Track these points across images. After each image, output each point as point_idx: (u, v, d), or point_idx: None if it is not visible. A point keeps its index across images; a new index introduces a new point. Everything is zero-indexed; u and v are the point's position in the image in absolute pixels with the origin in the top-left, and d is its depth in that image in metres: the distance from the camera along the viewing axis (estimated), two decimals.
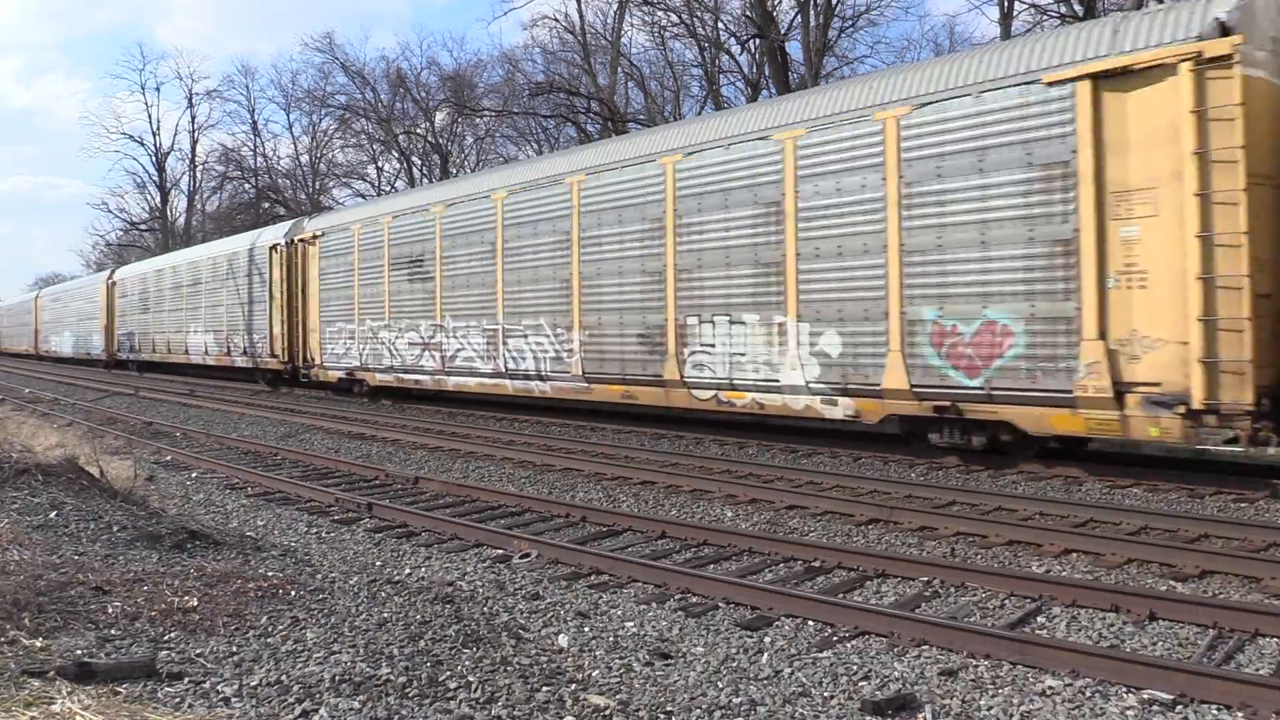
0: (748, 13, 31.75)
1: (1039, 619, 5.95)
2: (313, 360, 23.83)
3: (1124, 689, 4.74)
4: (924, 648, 5.41)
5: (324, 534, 8.79)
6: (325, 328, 23.27)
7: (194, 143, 65.11)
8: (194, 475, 12.26)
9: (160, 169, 66.01)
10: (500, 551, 7.94)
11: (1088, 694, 4.72)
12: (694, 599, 6.47)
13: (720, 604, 6.33)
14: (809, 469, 11.46)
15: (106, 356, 41.34)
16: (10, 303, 71.63)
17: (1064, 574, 6.98)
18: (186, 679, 4.17)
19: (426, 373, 19.48)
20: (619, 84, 39.54)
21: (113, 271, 42.61)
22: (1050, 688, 4.80)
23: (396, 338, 20.44)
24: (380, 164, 52.93)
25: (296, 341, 24.73)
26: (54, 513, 7.55)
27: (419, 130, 48.97)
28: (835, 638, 5.66)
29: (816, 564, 7.29)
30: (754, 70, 33.98)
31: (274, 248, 25.68)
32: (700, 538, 8.18)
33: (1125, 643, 5.53)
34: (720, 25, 35.00)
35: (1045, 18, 26.66)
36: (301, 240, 24.43)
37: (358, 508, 9.73)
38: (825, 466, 11.82)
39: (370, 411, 20.16)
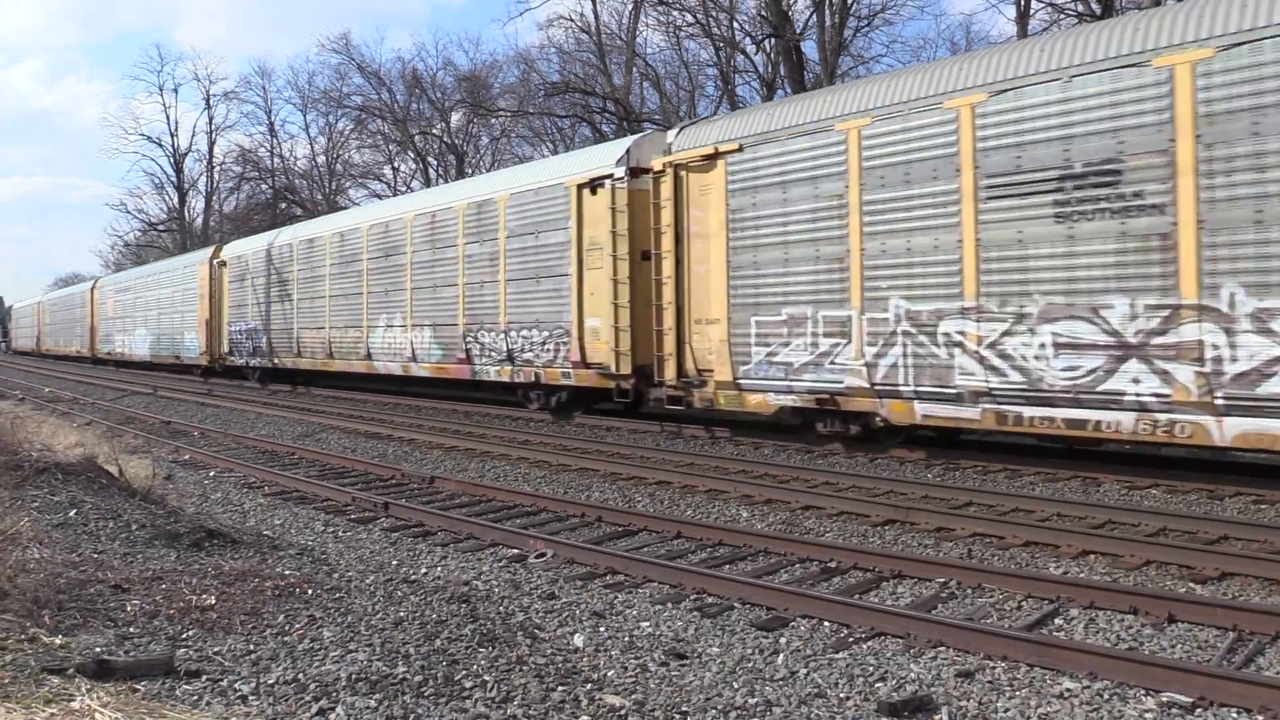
0: (763, 12, 31.71)
1: (1057, 621, 5.92)
2: (706, 370, 13.56)
3: (1143, 692, 4.71)
4: (940, 649, 5.39)
5: (340, 533, 8.82)
6: (756, 313, 12.77)
7: (211, 144, 65.46)
8: (212, 474, 12.32)
9: (178, 170, 66.43)
10: (516, 551, 7.95)
11: (1106, 696, 4.69)
12: (709, 599, 6.46)
13: (736, 604, 6.32)
14: (824, 469, 11.43)
15: (208, 361, 31.78)
16: (57, 295, 61.47)
17: (1082, 576, 6.94)
18: (204, 677, 4.19)
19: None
20: (634, 84, 39.56)
21: (219, 248, 32.91)
22: (1068, 690, 4.77)
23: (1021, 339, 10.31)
24: (396, 164, 53.19)
25: (656, 341, 14.32)
26: (73, 511, 7.60)
27: (435, 131, 49.18)
28: (851, 639, 5.64)
29: (832, 564, 7.27)
30: (769, 70, 33.93)
31: (595, 184, 15.62)
32: (716, 538, 8.17)
33: (1144, 645, 5.49)
34: (735, 25, 35.00)
35: (1063, 16, 26.53)
36: (676, 165, 13.79)
37: (374, 507, 9.76)
38: (841, 467, 11.78)
39: (386, 411, 20.23)
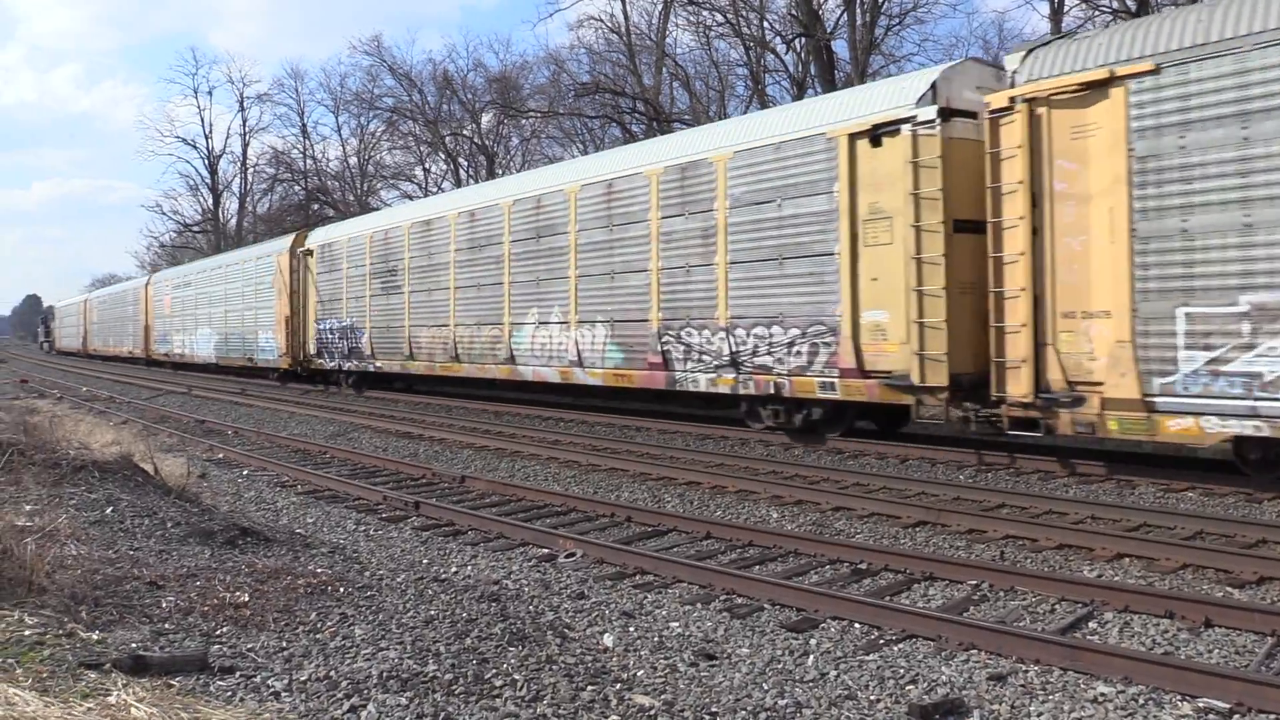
0: (793, 11, 31.59)
1: (1090, 624, 5.86)
2: (1084, 383, 10.10)
3: (1178, 697, 4.65)
4: (972, 652, 5.35)
5: (372, 532, 8.88)
6: (1187, 302, 9.40)
7: (245, 145, 66.17)
8: (245, 473, 12.45)
9: (212, 171, 67.19)
10: (546, 551, 7.97)
11: (1141, 701, 4.64)
12: (739, 600, 6.45)
13: (765, 605, 6.30)
14: (855, 470, 11.38)
15: (289, 364, 28.21)
16: (106, 293, 58.16)
17: (1117, 579, 6.86)
18: (238, 673, 4.24)
19: None
20: (664, 84, 39.55)
21: (302, 235, 28.89)
22: (1102, 694, 4.72)
23: None
24: (427, 165, 53.46)
25: (994, 343, 10.77)
26: (110, 509, 7.71)
27: (465, 132, 49.38)
28: (882, 640, 5.61)
29: (863, 566, 7.24)
30: (799, 69, 33.82)
31: (880, 132, 12.17)
32: (745, 539, 8.15)
33: (1180, 650, 5.42)
34: (765, 24, 34.90)
35: (1097, 13, 26.24)
36: (1031, 100, 10.40)
37: (405, 506, 9.82)
38: (871, 468, 11.72)
39: (417, 411, 20.34)
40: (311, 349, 27.07)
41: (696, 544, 8.19)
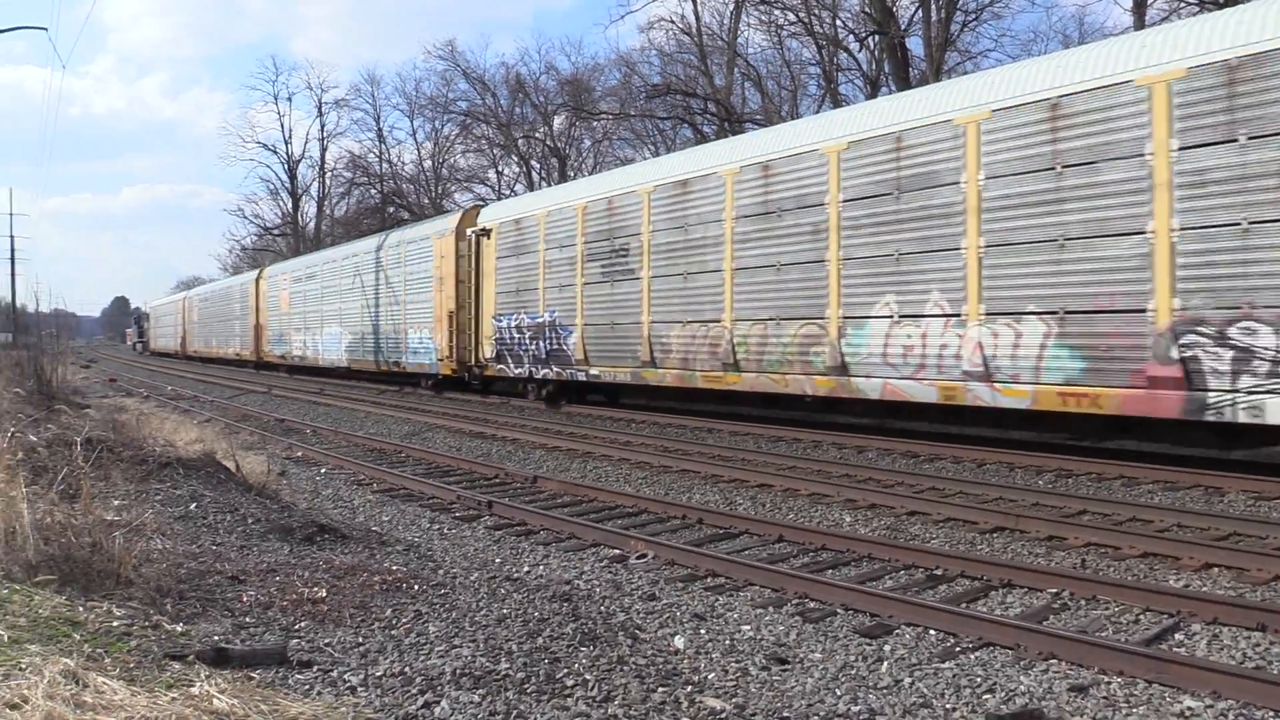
0: (866, 9, 31.24)
1: (1177, 636, 5.68)
2: None
3: (1270, 713, 4.48)
4: (1052, 662, 5.22)
5: (445, 530, 9.00)
6: None
7: (323, 150, 67.53)
8: (323, 471, 12.70)
9: (292, 176, 68.69)
10: (617, 552, 7.99)
11: (1230, 717, 4.48)
12: (812, 604, 6.39)
13: (839, 610, 6.23)
14: (930, 474, 11.20)
15: (454, 369, 23.53)
16: (209, 290, 54.73)
17: (1205, 590, 6.64)
18: (315, 667, 4.32)
19: None
20: (735, 84, 39.43)
21: (471, 214, 24.04)
22: (1189, 709, 4.57)
23: None
24: (500, 168, 54.06)
25: None
26: (194, 505, 7.93)
27: (538, 135, 49.83)
28: (958, 648, 5.51)
29: (938, 572, 7.12)
30: (873, 68, 33.44)
31: None
32: (818, 542, 8.07)
33: (1272, 664, 5.23)
34: (838, 22, 34.57)
35: (1182, 5, 25.45)
36: None
37: (478, 505, 9.92)
38: (948, 472, 11.52)
39: (491, 411, 20.55)
40: (488, 351, 22.16)
41: (769, 547, 8.13)
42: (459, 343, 23.51)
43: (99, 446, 9.10)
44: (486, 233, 22.55)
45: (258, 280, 41.73)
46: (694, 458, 12.84)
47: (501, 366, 21.79)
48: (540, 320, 20.29)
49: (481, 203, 25.83)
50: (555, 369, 19.74)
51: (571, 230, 19.34)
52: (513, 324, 21.28)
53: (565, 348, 19.46)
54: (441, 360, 24.30)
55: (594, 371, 18.69)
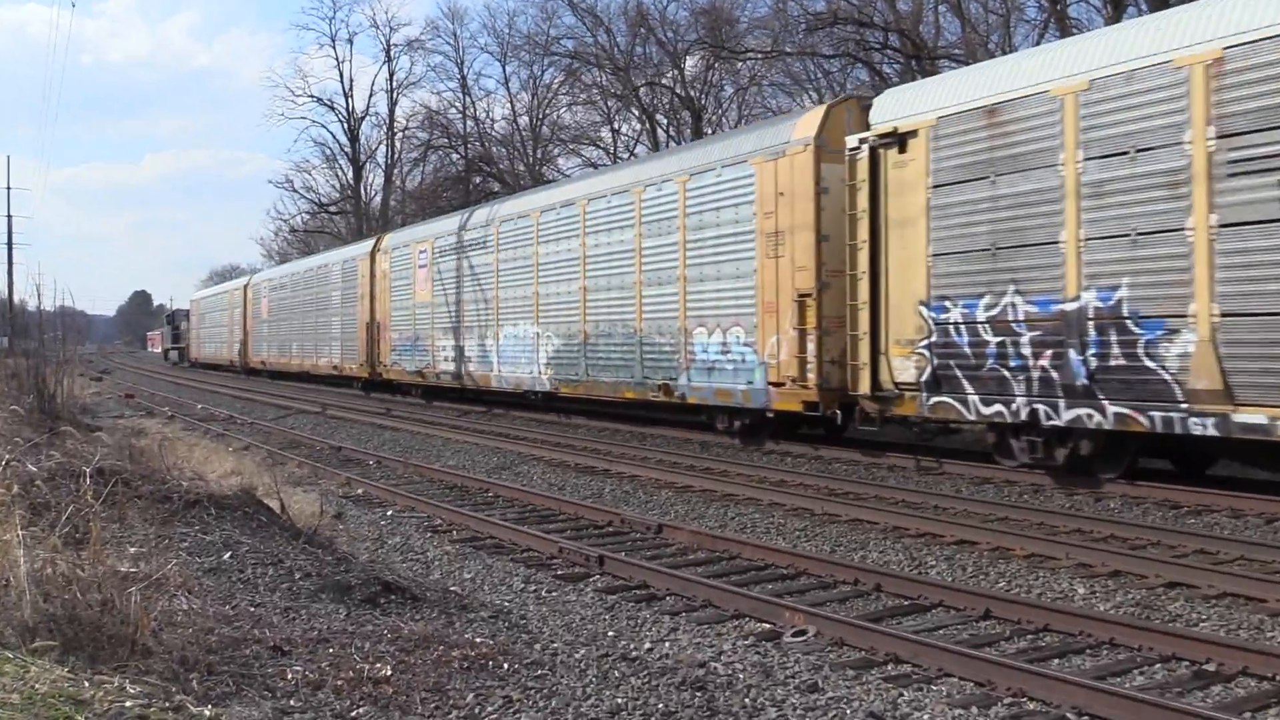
0: None
1: None
2: None
3: None
4: None
5: (544, 593, 9.06)
6: None
7: (392, 105, 69.02)
8: (389, 513, 12.97)
9: (353, 138, 70.58)
10: (767, 626, 7.91)
11: None
12: (1031, 705, 6.21)
13: (1069, 715, 6.04)
14: (1197, 531, 10.78)
15: (815, 397, 16.91)
16: (288, 271, 50.15)
17: None
18: None
19: None
20: (925, 10, 38.87)
21: (839, 110, 17.41)
22: None
23: None
24: (617, 125, 54.51)
25: None
26: (228, 554, 8.17)
27: (664, 81, 50.05)
28: None
29: (1210, 667, 6.82)
30: None
31: None
32: (1040, 620, 7.85)
33: None
34: None
35: None
36: None
37: (586, 561, 9.97)
38: (1224, 529, 11.07)
39: (602, 439, 20.68)
40: (902, 368, 15.53)
41: (971, 625, 7.96)
42: (824, 351, 16.93)
43: (112, 479, 9.44)
44: (899, 140, 15.66)
45: (373, 254, 36.22)
46: (869, 503, 12.67)
47: (942, 399, 15.11)
48: (1078, 305, 13.22)
49: (866, 95, 18.12)
50: (1134, 403, 12.60)
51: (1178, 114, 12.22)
52: (982, 314, 14.44)
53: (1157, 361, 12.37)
54: (780, 384, 17.55)
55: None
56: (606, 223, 22.34)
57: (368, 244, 38.08)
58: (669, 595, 8.87)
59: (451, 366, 29.47)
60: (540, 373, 24.90)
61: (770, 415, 18.08)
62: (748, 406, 18.42)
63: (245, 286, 56.15)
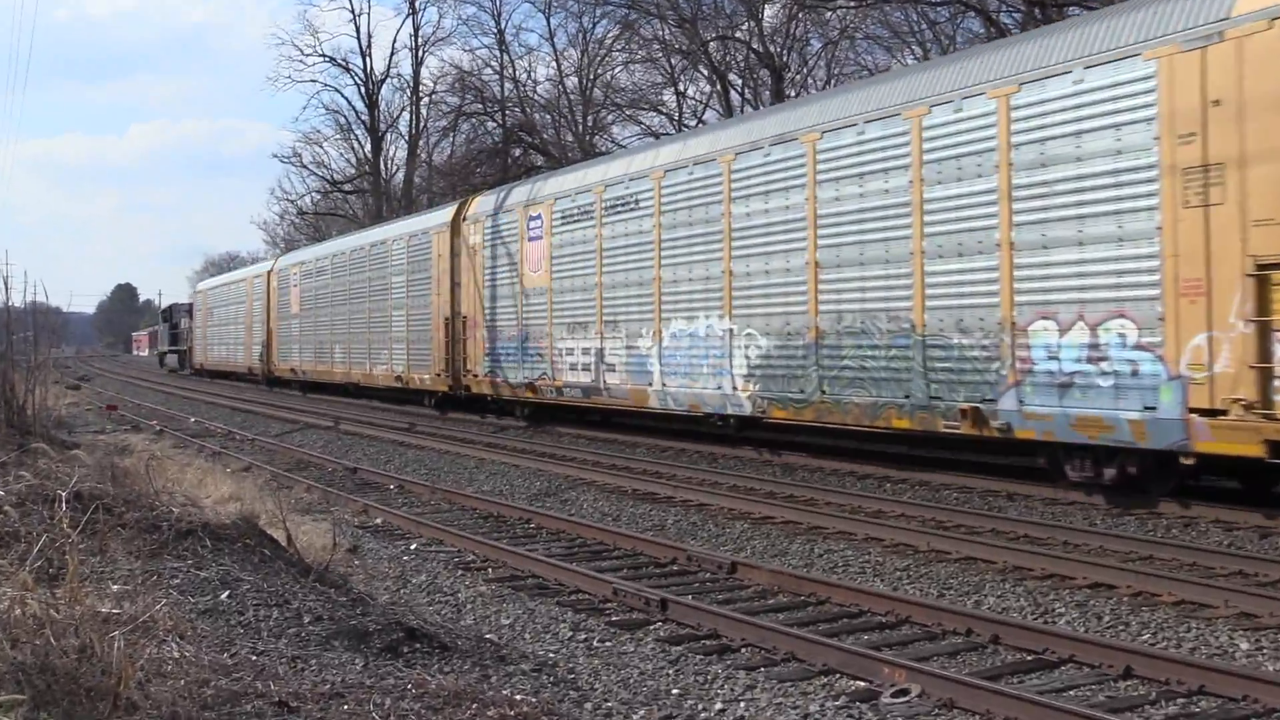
0: None
1: None
2: None
3: None
4: None
5: (595, 642, 9.06)
6: None
7: (417, 65, 69.01)
8: (413, 546, 13.04)
9: (371, 105, 70.79)
10: (862, 684, 7.87)
11: None
12: None
13: None
14: None
15: None
16: (332, 249, 44.82)
17: None
18: None
19: None
20: None
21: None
22: None
23: None
24: (682, 87, 54.38)
25: None
26: (226, 593, 8.23)
27: (738, 35, 49.93)
28: None
29: None
30: None
31: None
32: (1192, 680, 7.75)
33: None
34: None
35: None
36: None
37: (646, 605, 9.96)
38: None
39: (664, 459, 20.64)
40: None
41: (1107, 685, 7.88)
42: None
43: (92, 505, 9.56)
44: None
45: (454, 224, 32.04)
46: (984, 538, 12.58)
47: None
48: None
49: None
50: None
51: None
52: None
53: None
54: (1216, 410, 12.92)
55: None
56: (855, 165, 17.95)
57: (445, 211, 33.72)
58: (744, 647, 8.85)
59: (583, 377, 25.27)
60: (735, 387, 20.50)
61: (1189, 461, 13.63)
62: (1140, 446, 13.90)
63: (269, 273, 52.77)
